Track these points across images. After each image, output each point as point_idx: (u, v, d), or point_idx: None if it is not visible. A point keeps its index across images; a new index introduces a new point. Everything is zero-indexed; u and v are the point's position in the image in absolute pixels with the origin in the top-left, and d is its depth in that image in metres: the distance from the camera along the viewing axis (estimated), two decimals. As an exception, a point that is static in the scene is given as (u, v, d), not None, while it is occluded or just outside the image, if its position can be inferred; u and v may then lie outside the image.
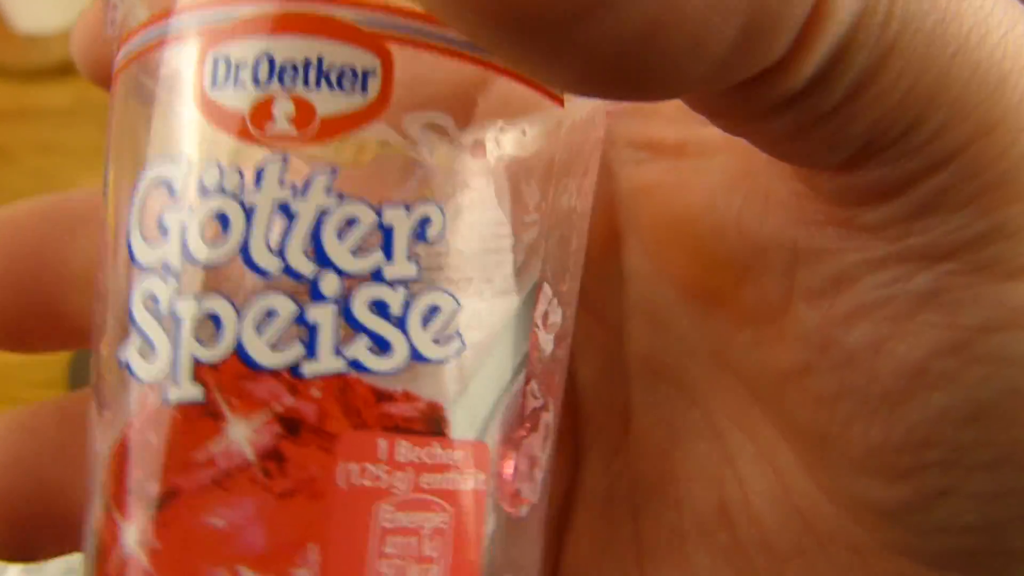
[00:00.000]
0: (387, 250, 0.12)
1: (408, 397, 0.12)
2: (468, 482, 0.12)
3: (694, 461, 0.18)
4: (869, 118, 0.11)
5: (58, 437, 0.15)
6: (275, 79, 0.12)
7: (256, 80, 0.12)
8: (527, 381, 0.13)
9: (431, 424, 0.12)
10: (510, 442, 0.13)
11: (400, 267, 0.12)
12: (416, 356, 0.12)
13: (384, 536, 0.11)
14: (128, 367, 0.12)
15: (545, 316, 0.13)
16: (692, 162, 0.17)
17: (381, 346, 0.12)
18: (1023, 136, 0.12)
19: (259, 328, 0.11)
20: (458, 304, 0.12)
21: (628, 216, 0.18)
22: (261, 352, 0.11)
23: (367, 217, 0.12)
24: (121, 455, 0.12)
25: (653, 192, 0.18)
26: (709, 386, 0.18)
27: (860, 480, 0.15)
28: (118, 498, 0.12)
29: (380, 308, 0.12)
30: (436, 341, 0.12)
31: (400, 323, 0.12)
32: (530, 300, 0.13)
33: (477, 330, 0.12)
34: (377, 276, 0.12)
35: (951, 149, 0.12)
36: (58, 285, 0.16)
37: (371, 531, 0.11)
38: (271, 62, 0.12)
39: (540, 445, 0.14)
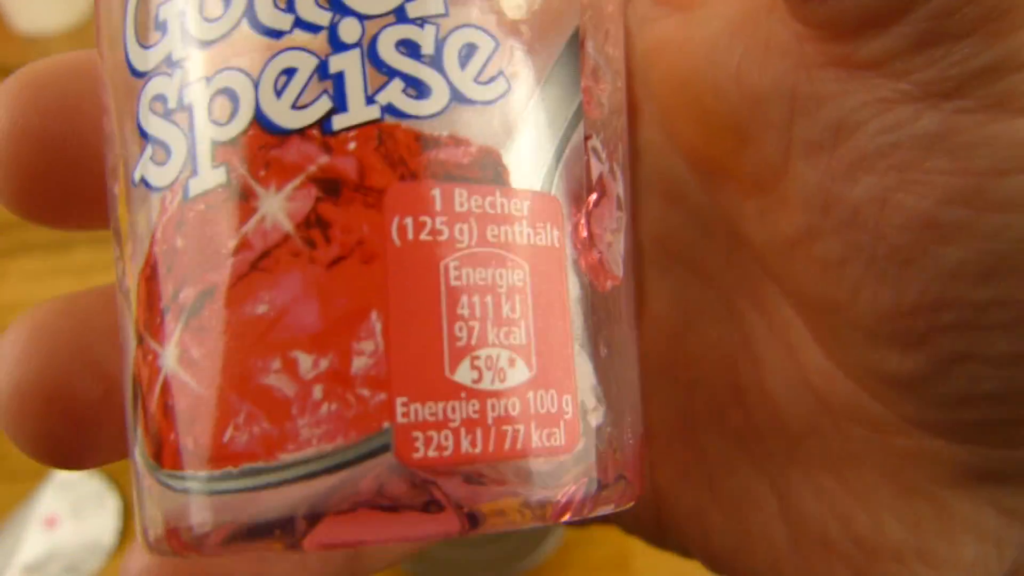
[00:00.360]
0: None
1: (457, 141, 0.10)
2: (542, 237, 0.10)
3: (708, 344, 0.18)
4: None
5: (108, 320, 0.14)
6: None
7: None
8: (587, 137, 0.12)
9: (488, 170, 0.10)
10: (579, 203, 0.11)
11: (424, 2, 0.10)
12: (457, 97, 0.10)
13: (455, 295, 0.10)
14: (144, 181, 0.11)
15: (595, 72, 0.12)
16: (699, 13, 0.16)
17: (418, 88, 0.10)
18: None
19: (278, 90, 0.10)
20: (496, 42, 0.11)
21: (641, 83, 0.17)
22: (283, 114, 0.10)
23: None
24: (148, 276, 0.11)
25: (661, 52, 0.16)
26: (724, 265, 0.17)
27: (873, 351, 0.14)
28: (151, 324, 0.11)
29: (411, 48, 0.10)
30: (478, 80, 0.10)
31: (435, 62, 0.10)
32: (573, 46, 0.12)
33: (522, 70, 0.11)
34: (401, 14, 0.10)
35: None
36: (88, 144, 0.14)
37: (439, 291, 0.10)
38: None
39: (612, 217, 0.12)
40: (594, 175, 0.12)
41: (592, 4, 0.12)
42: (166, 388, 0.10)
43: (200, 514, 0.10)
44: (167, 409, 0.10)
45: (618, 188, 0.12)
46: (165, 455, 0.10)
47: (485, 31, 0.11)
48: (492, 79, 0.11)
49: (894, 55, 0.12)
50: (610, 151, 0.12)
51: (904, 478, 0.15)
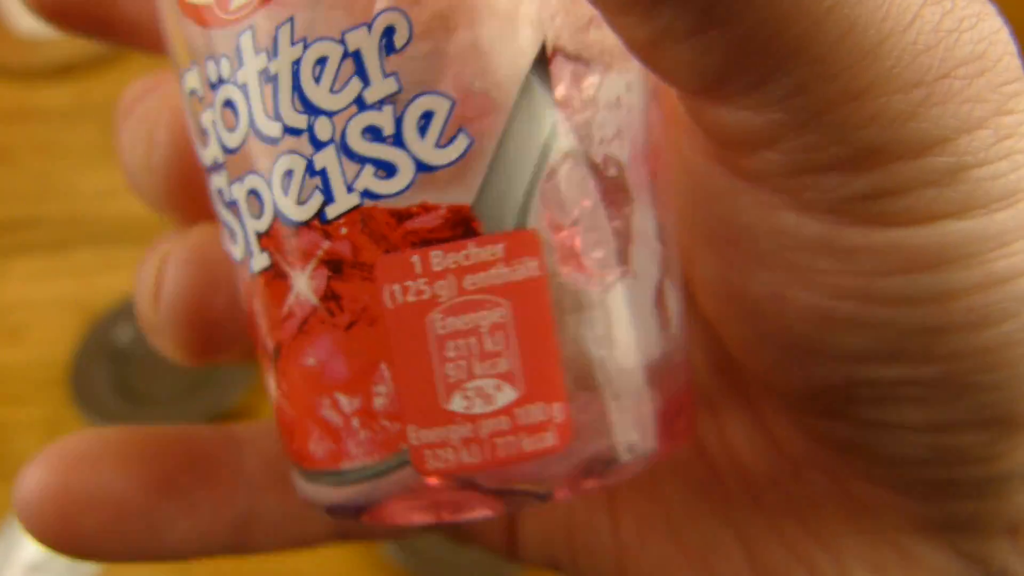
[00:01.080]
0: (362, 75, 0.12)
1: (427, 208, 0.12)
2: (518, 272, 0.12)
3: None
4: (723, 52, 0.10)
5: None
6: None
7: None
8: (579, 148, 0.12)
9: (459, 227, 0.12)
10: (567, 218, 0.12)
11: (379, 87, 0.12)
12: (421, 168, 0.12)
13: (441, 343, 0.12)
14: (229, 254, 0.14)
15: (575, 76, 0.12)
16: None
17: (386, 169, 0.12)
18: (895, 100, 0.11)
19: (285, 189, 0.12)
20: (452, 100, 0.12)
21: None
22: (292, 210, 0.12)
23: (334, 51, 0.12)
24: (249, 323, 0.14)
25: None
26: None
27: (806, 419, 0.15)
28: (260, 355, 0.14)
29: (374, 133, 0.12)
30: (439, 145, 0.12)
31: (397, 140, 0.12)
32: (540, 68, 0.12)
33: (484, 116, 0.12)
34: (360, 103, 0.12)
35: (814, 109, 0.11)
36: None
37: (428, 341, 0.12)
38: None
39: (616, 213, 0.13)
40: (588, 181, 0.13)
41: (559, 10, 0.12)
42: (279, 410, 0.14)
43: (301, 490, 0.14)
44: (281, 421, 0.14)
45: (632, 177, 0.13)
46: (286, 450, 0.14)
47: (440, 94, 0.12)
48: (452, 139, 0.12)
49: (770, 175, 0.12)
50: (611, 137, 0.13)
51: (867, 524, 0.15)
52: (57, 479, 0.15)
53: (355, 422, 0.13)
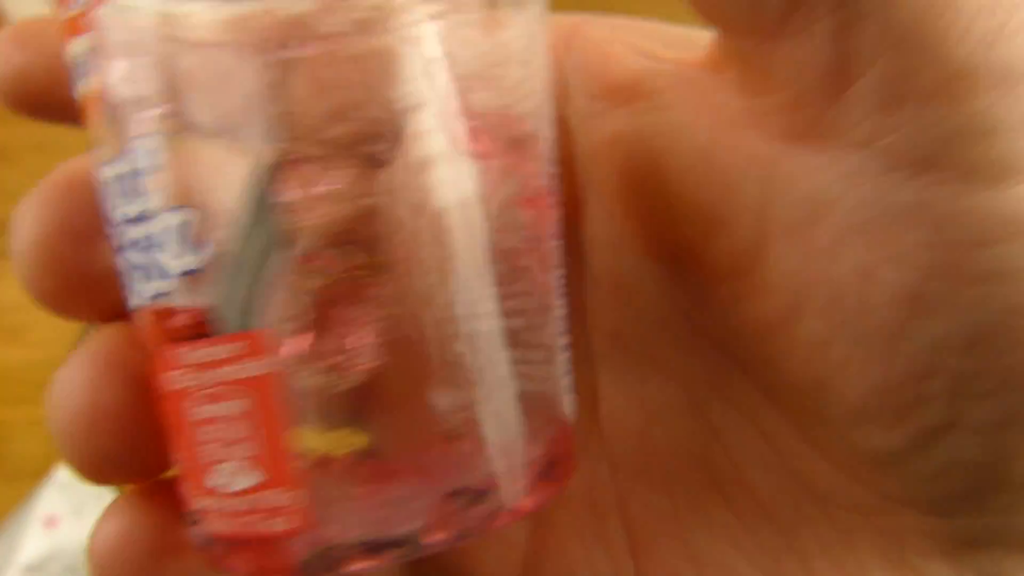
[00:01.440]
0: (125, 193, 0.14)
1: (177, 311, 0.13)
2: (251, 370, 0.13)
3: (676, 440, 0.17)
4: None
5: None
6: None
7: None
8: (313, 255, 0.13)
9: (198, 328, 0.13)
10: (300, 322, 0.13)
11: (137, 203, 0.13)
12: (172, 274, 0.13)
13: (197, 427, 0.14)
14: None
15: (306, 184, 0.13)
16: (647, 103, 0.16)
17: (147, 275, 0.14)
18: (982, 18, 0.11)
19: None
20: (196, 215, 0.13)
21: (587, 179, 0.17)
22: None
23: (122, 168, 0.13)
24: None
25: (613, 147, 0.16)
26: (684, 356, 0.17)
27: (857, 428, 0.14)
28: None
29: (136, 242, 0.14)
30: (186, 254, 0.13)
31: (152, 249, 0.13)
32: (266, 180, 0.13)
33: (219, 231, 0.13)
34: (127, 217, 0.14)
35: (910, 20, 0.11)
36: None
37: (189, 424, 0.14)
38: None
39: (344, 315, 0.14)
40: (324, 286, 0.13)
41: (291, 117, 0.13)
42: None
43: None
44: None
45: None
46: None
47: (186, 208, 0.13)
48: (197, 249, 0.13)
49: (859, 119, 0.12)
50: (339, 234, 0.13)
51: (892, 555, 0.15)
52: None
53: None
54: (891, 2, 0.11)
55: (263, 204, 0.13)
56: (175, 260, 0.13)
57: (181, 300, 0.13)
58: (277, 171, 0.13)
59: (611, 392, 0.18)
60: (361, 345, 0.14)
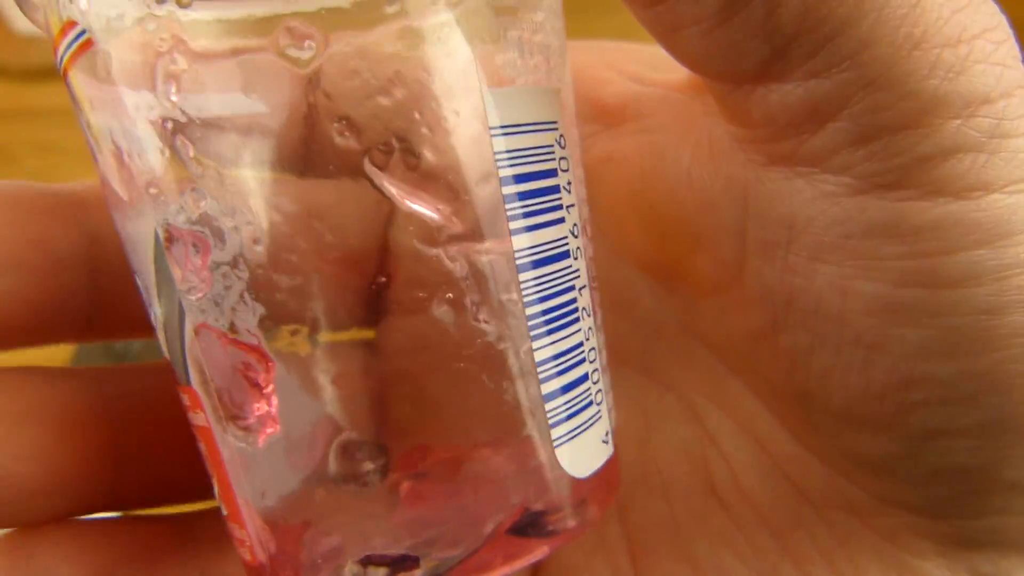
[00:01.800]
0: None
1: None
2: (199, 419, 0.14)
3: (675, 447, 0.18)
4: (789, 12, 0.11)
5: None
6: None
7: None
8: (201, 325, 0.13)
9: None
10: (204, 383, 0.13)
11: None
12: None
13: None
14: None
15: (188, 257, 0.13)
16: (634, 125, 0.16)
17: None
18: (947, 52, 0.11)
19: None
20: (138, 279, 0.14)
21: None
22: None
23: None
24: None
25: (603, 168, 0.17)
26: (680, 365, 0.18)
27: (845, 434, 0.15)
28: None
29: None
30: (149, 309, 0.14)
31: None
32: (161, 253, 0.13)
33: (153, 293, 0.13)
34: None
35: (884, 60, 0.11)
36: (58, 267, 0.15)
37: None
38: None
39: (255, 376, 0.13)
40: (213, 351, 0.13)
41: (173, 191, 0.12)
42: None
43: None
44: None
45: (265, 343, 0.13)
46: None
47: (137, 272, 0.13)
48: (151, 304, 0.13)
49: (834, 150, 0.12)
50: (236, 302, 0.12)
51: (888, 556, 0.15)
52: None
53: None
54: (863, 47, 0.11)
55: (167, 276, 0.13)
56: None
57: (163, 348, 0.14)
58: (168, 240, 0.12)
59: (614, 403, 0.18)
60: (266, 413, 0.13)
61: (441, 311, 0.13)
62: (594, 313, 0.14)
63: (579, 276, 0.14)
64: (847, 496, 0.16)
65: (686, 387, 0.18)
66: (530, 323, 0.13)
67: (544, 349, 0.13)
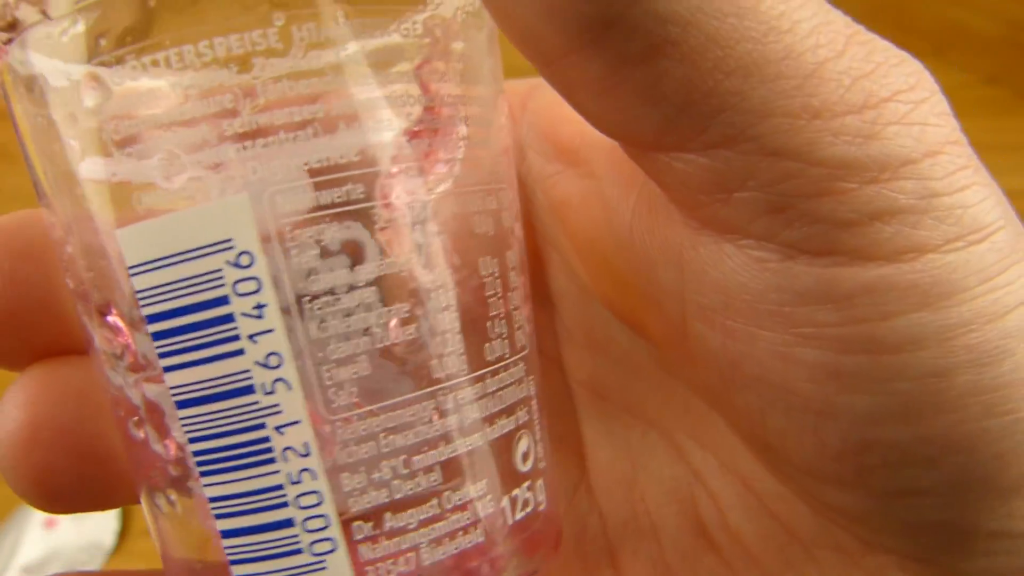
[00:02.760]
0: None
1: None
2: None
3: (663, 486, 0.17)
4: (672, 83, 0.11)
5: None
6: None
7: None
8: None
9: None
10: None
11: None
12: None
13: None
14: None
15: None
16: (587, 168, 0.16)
17: None
18: (851, 120, 0.11)
19: None
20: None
21: (546, 235, 0.18)
22: None
23: None
24: None
25: (565, 209, 0.17)
26: (661, 403, 0.17)
27: (814, 487, 0.14)
28: None
29: None
30: None
31: None
32: None
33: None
34: None
35: (783, 130, 0.11)
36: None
37: None
38: None
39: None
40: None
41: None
42: None
43: None
44: None
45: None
46: None
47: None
48: None
49: (750, 219, 0.12)
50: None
51: None
52: None
53: None
54: (758, 119, 0.11)
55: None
56: None
57: None
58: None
59: (596, 442, 0.18)
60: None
61: (138, 434, 0.13)
62: None
63: (280, 412, 0.12)
64: (834, 536, 0.15)
65: (668, 424, 0.17)
66: (197, 460, 0.12)
67: (216, 487, 0.12)
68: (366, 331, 0.13)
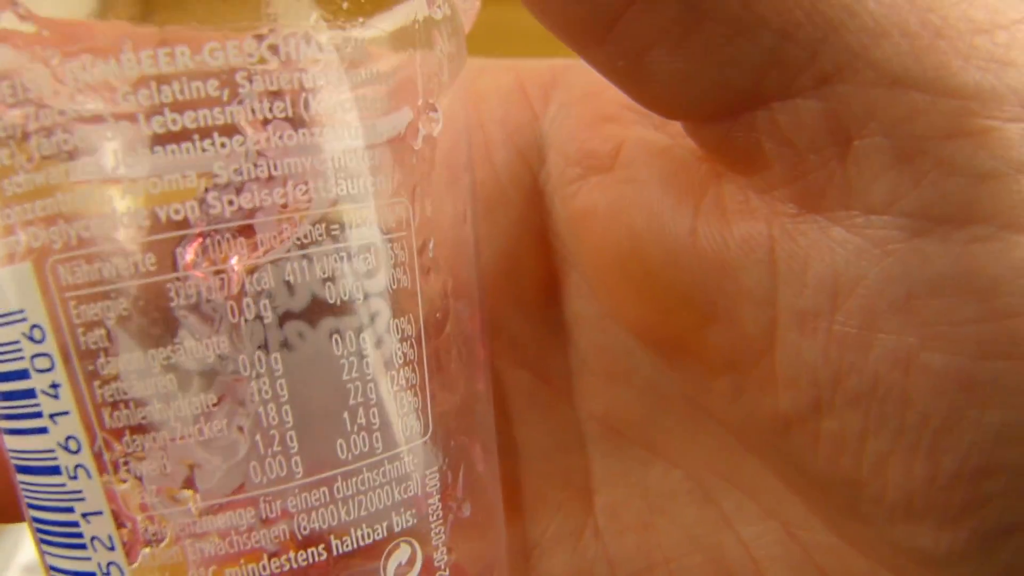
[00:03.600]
0: None
1: None
2: None
3: (683, 532, 0.15)
4: (774, 24, 0.10)
5: None
6: None
7: None
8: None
9: None
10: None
11: None
12: None
13: None
14: None
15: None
16: (627, 172, 0.14)
17: None
18: (979, 40, 0.10)
19: None
20: None
21: (566, 252, 0.16)
22: None
23: None
24: None
25: (590, 220, 0.15)
26: (688, 441, 0.15)
27: (900, 527, 0.12)
28: None
29: None
30: None
31: None
32: None
33: None
34: None
35: (902, 53, 0.10)
36: None
37: None
38: None
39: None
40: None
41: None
42: None
43: None
44: None
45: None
46: None
47: None
48: None
49: (872, 178, 0.10)
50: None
51: None
52: None
53: None
54: (874, 37, 0.10)
55: None
56: None
57: None
58: None
59: (608, 480, 0.16)
60: None
61: None
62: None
63: (84, 499, 0.11)
64: (851, 563, 0.14)
65: (695, 462, 0.15)
66: (35, 527, 0.12)
67: (51, 558, 0.12)
68: (166, 423, 0.11)
